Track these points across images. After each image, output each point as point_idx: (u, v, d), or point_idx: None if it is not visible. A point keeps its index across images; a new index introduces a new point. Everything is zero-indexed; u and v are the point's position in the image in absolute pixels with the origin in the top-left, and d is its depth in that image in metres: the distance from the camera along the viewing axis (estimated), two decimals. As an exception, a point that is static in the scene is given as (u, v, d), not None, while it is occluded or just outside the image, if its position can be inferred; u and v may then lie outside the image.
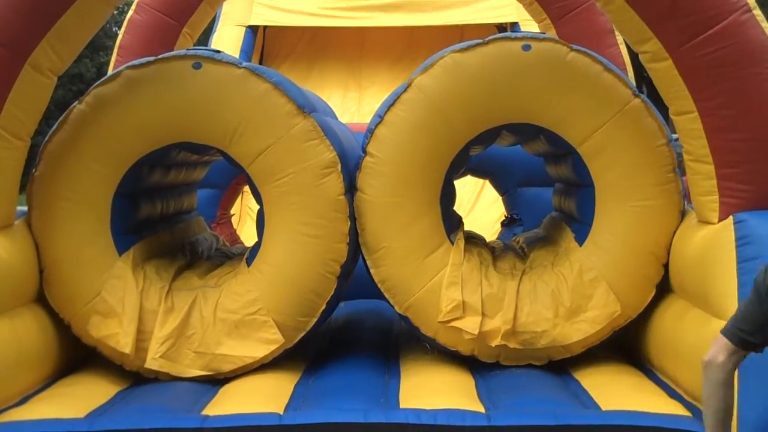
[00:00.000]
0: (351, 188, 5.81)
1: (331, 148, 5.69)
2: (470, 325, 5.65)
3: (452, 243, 5.84)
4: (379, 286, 5.85)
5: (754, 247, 4.69)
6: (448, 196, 5.95)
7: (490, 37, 5.80)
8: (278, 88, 5.69)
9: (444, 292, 5.69)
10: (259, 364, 5.71)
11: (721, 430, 3.47)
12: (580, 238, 5.87)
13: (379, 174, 5.75)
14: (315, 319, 5.79)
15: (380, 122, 5.78)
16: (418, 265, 5.75)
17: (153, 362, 5.60)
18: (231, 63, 5.74)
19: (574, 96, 5.70)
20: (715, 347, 3.46)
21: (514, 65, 5.70)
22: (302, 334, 5.79)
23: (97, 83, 5.86)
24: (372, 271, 5.84)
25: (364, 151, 5.80)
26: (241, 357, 5.65)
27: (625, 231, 5.70)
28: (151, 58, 5.80)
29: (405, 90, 5.77)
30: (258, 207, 5.92)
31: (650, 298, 5.73)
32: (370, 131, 5.80)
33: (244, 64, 5.79)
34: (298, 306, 5.72)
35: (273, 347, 5.67)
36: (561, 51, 5.73)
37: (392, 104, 5.78)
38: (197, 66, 5.68)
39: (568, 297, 5.68)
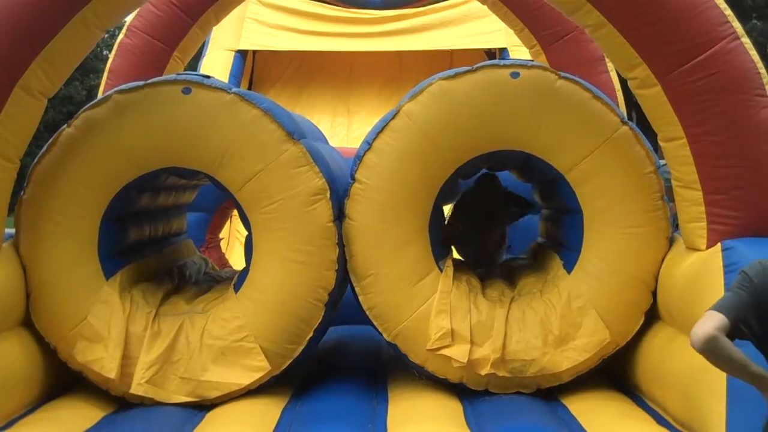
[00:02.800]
0: (340, 215, 5.81)
1: (320, 175, 5.69)
2: (459, 353, 5.64)
3: (441, 270, 5.83)
4: (367, 313, 5.83)
5: (742, 274, 4.69)
6: (437, 223, 5.94)
7: (479, 65, 5.82)
8: (268, 114, 5.69)
9: (433, 319, 5.68)
10: (245, 391, 5.68)
11: (756, 372, 3.38)
12: (569, 266, 5.87)
13: (367, 201, 5.74)
14: (302, 347, 5.77)
15: (369, 149, 5.78)
16: (407, 293, 5.74)
17: (138, 387, 5.57)
18: (220, 88, 5.75)
19: (562, 123, 5.71)
20: (707, 322, 3.39)
21: (502, 92, 5.72)
22: (289, 362, 5.77)
23: (86, 107, 5.86)
24: (360, 298, 5.82)
25: (353, 177, 5.80)
26: (227, 384, 5.62)
27: (614, 258, 5.70)
28: (141, 83, 5.81)
29: (393, 117, 5.78)
30: (247, 231, 5.92)
31: (639, 326, 5.73)
32: (359, 158, 5.80)
33: (234, 89, 5.80)
34: (286, 333, 5.70)
35: (259, 374, 5.65)
36: (549, 78, 5.75)
37: (381, 131, 5.78)
38: (187, 91, 5.69)
39: (557, 325, 5.67)
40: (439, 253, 5.93)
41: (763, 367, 3.41)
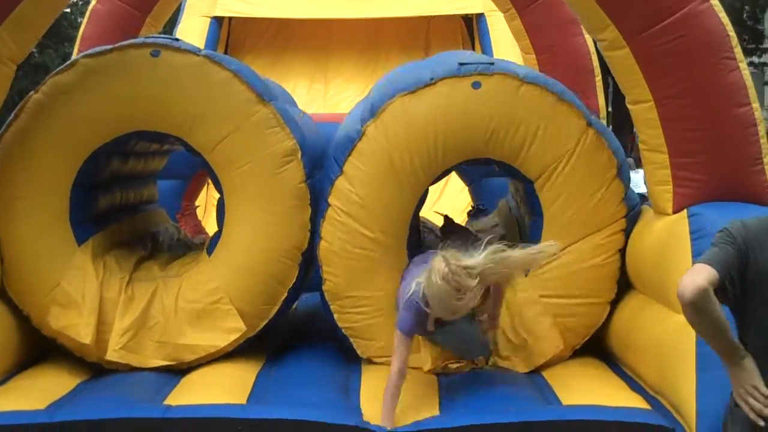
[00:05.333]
0: (311, 175, 5.80)
1: (291, 136, 5.68)
2: (426, 361, 5.58)
3: None
4: (344, 332, 5.77)
5: (708, 241, 4.60)
6: (414, 240, 5.88)
7: (438, 76, 5.62)
8: (238, 76, 5.67)
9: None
10: (222, 354, 5.69)
11: (731, 340, 3.27)
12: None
13: (343, 225, 5.65)
14: (277, 307, 5.78)
15: (340, 174, 5.64)
16: (385, 314, 5.64)
17: (114, 354, 5.58)
18: (190, 51, 5.73)
19: (528, 130, 5.59)
20: (698, 273, 3.25)
21: (464, 105, 5.58)
22: (265, 323, 5.78)
23: (54, 72, 5.81)
24: (336, 316, 5.76)
25: (327, 202, 5.69)
26: (204, 346, 5.63)
27: (574, 262, 5.65)
28: (109, 47, 5.76)
29: (360, 138, 5.64)
30: (219, 194, 5.91)
31: (606, 315, 5.73)
32: (331, 182, 5.69)
33: (203, 51, 5.78)
34: (260, 294, 5.71)
35: (235, 336, 5.66)
36: (512, 85, 5.60)
37: (349, 153, 5.65)
38: (156, 54, 5.66)
39: (513, 334, 5.63)
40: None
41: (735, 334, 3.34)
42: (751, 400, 3.23)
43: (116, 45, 5.77)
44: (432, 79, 5.63)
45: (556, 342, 5.65)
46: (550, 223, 5.70)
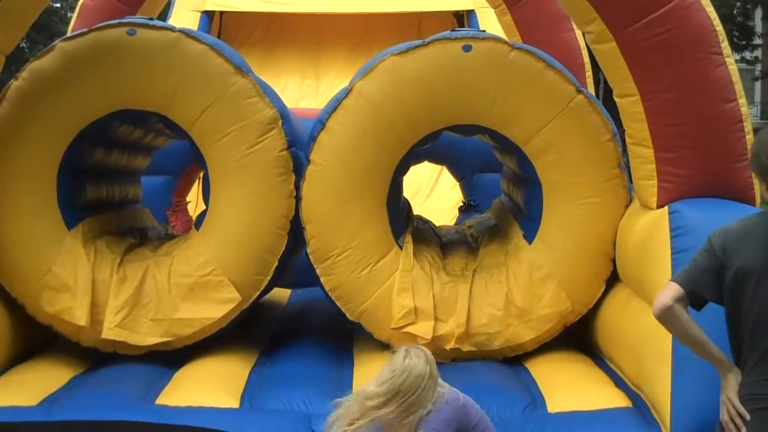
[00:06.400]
0: (293, 144, 5.81)
1: (271, 105, 5.71)
2: (423, 330, 5.59)
3: (400, 247, 5.79)
4: (329, 294, 5.79)
5: (688, 238, 4.68)
6: (394, 198, 5.89)
7: (430, 38, 5.72)
8: (214, 49, 5.71)
9: (395, 298, 5.63)
10: (218, 326, 5.71)
11: (713, 353, 3.53)
12: (530, 236, 5.82)
13: (323, 182, 5.69)
14: (269, 277, 5.79)
15: (322, 129, 5.70)
16: (369, 273, 5.69)
17: (110, 332, 5.58)
18: (165, 27, 5.78)
19: (517, 95, 5.63)
20: (665, 292, 3.52)
21: (454, 67, 5.63)
22: (258, 293, 5.79)
23: (32, 59, 5.83)
24: (322, 279, 5.78)
25: (308, 159, 5.72)
26: (200, 319, 5.65)
27: (573, 228, 5.67)
28: (85, 29, 5.80)
29: (346, 95, 5.70)
30: (203, 169, 5.92)
31: (600, 294, 5.73)
32: (313, 138, 5.72)
33: (178, 28, 5.82)
34: (252, 265, 5.72)
35: (230, 306, 5.67)
36: (502, 50, 5.66)
37: (334, 110, 5.70)
38: (132, 32, 5.69)
39: (520, 297, 5.65)
40: (398, 229, 5.88)
41: (728, 330, 3.56)
42: (724, 411, 3.50)
43: (93, 27, 5.80)
44: (424, 41, 5.72)
45: (563, 305, 5.65)
46: (549, 190, 5.72)
